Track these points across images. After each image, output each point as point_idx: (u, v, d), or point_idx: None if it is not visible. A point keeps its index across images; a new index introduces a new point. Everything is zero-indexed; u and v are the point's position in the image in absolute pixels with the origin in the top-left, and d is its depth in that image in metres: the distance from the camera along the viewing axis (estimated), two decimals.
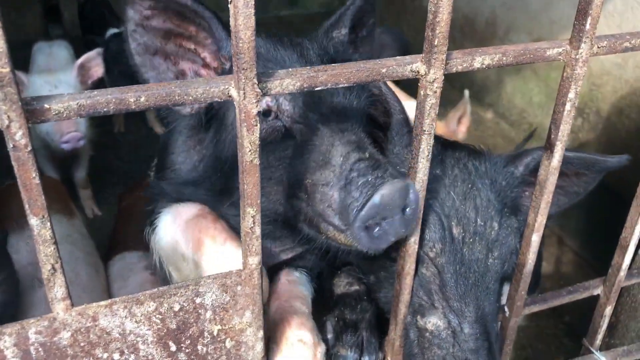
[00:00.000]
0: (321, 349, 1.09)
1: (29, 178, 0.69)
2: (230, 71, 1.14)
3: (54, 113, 0.68)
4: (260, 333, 0.95)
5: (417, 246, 1.00)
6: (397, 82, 2.94)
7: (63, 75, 3.05)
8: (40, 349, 0.80)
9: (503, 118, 4.55)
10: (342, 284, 1.30)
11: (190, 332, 0.90)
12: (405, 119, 1.25)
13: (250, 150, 0.78)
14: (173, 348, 0.90)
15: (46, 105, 0.68)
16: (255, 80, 0.74)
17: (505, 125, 4.49)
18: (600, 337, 1.39)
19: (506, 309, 1.20)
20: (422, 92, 0.86)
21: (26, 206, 0.70)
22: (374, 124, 1.30)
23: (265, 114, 1.12)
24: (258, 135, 0.78)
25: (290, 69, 0.79)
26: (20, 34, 5.14)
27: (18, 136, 0.66)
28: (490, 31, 4.62)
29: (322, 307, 1.24)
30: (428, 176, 0.96)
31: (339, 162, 1.00)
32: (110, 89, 0.72)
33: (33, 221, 0.71)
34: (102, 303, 0.82)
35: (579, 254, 3.25)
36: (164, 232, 1.26)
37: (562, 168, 1.22)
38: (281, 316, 1.13)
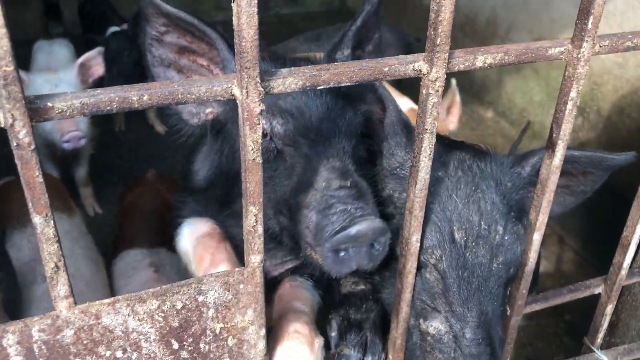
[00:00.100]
0: (319, 341, 1.12)
1: (32, 176, 0.69)
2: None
3: (57, 111, 0.68)
4: (262, 331, 0.95)
5: (419, 244, 1.00)
6: (399, 82, 2.93)
7: (63, 74, 3.05)
8: (43, 347, 0.80)
9: (503, 117, 4.55)
10: (349, 284, 1.30)
11: (193, 330, 0.90)
12: (401, 118, 1.25)
13: (252, 149, 0.78)
14: (175, 346, 0.90)
15: (49, 104, 0.68)
16: (258, 79, 0.74)
17: (505, 124, 4.49)
18: (601, 335, 1.39)
19: (507, 307, 1.20)
20: (424, 91, 0.86)
21: (29, 204, 0.71)
22: (373, 125, 1.31)
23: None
24: (260, 134, 0.78)
25: (292, 68, 0.79)
26: (20, 32, 5.14)
27: (22, 134, 0.66)
28: (490, 30, 4.62)
29: (332, 309, 1.26)
30: (430, 176, 0.96)
31: (321, 186, 1.06)
32: (114, 87, 0.72)
33: (36, 219, 0.71)
34: (105, 301, 0.82)
35: (579, 253, 3.25)
36: (181, 243, 1.35)
37: (568, 167, 1.22)
38: (281, 314, 1.18)
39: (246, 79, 0.73)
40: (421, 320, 1.11)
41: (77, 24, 5.11)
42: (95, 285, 1.96)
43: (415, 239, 1.02)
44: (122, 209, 2.46)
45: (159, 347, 0.89)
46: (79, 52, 3.70)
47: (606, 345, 1.47)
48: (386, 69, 0.83)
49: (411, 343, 1.13)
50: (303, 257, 1.15)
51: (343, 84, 0.82)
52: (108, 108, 0.71)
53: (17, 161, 0.68)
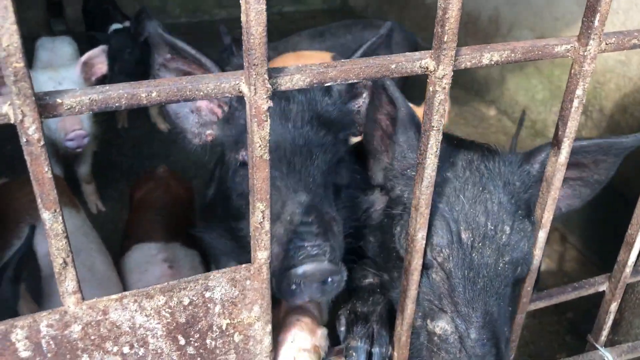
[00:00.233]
0: (322, 331, 1.15)
1: (41, 172, 0.69)
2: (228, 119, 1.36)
3: (66, 107, 0.69)
4: (269, 327, 0.96)
5: (424, 242, 1.00)
6: (405, 79, 2.93)
7: (66, 72, 3.04)
8: (51, 342, 0.81)
9: (506, 115, 4.55)
10: (357, 277, 1.31)
11: (199, 326, 0.90)
12: (414, 119, 1.25)
13: (260, 146, 0.78)
14: (182, 342, 0.90)
15: (59, 100, 0.68)
16: (266, 76, 0.74)
17: (508, 122, 4.49)
18: (605, 333, 1.40)
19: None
20: (431, 88, 0.87)
21: (38, 200, 0.71)
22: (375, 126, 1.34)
23: (242, 164, 1.28)
24: (268, 131, 0.78)
25: (300, 65, 0.79)
26: (23, 29, 5.13)
27: (31, 130, 0.66)
28: (493, 28, 4.62)
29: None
30: (438, 175, 0.96)
31: (286, 219, 1.11)
32: (122, 84, 0.72)
33: (45, 215, 0.72)
34: (113, 297, 0.83)
35: (582, 251, 3.25)
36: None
37: (579, 158, 1.21)
38: (287, 312, 1.21)
39: (254, 76, 0.73)
40: (428, 321, 1.12)
41: (79, 22, 5.12)
42: (109, 280, 1.96)
43: (421, 236, 1.02)
44: (134, 204, 2.45)
45: (165, 343, 0.89)
46: (81, 50, 3.70)
47: (609, 343, 1.48)
48: (393, 66, 0.83)
49: (418, 343, 1.13)
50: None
51: (350, 81, 0.82)
52: (117, 104, 0.71)
53: (26, 157, 0.68)
